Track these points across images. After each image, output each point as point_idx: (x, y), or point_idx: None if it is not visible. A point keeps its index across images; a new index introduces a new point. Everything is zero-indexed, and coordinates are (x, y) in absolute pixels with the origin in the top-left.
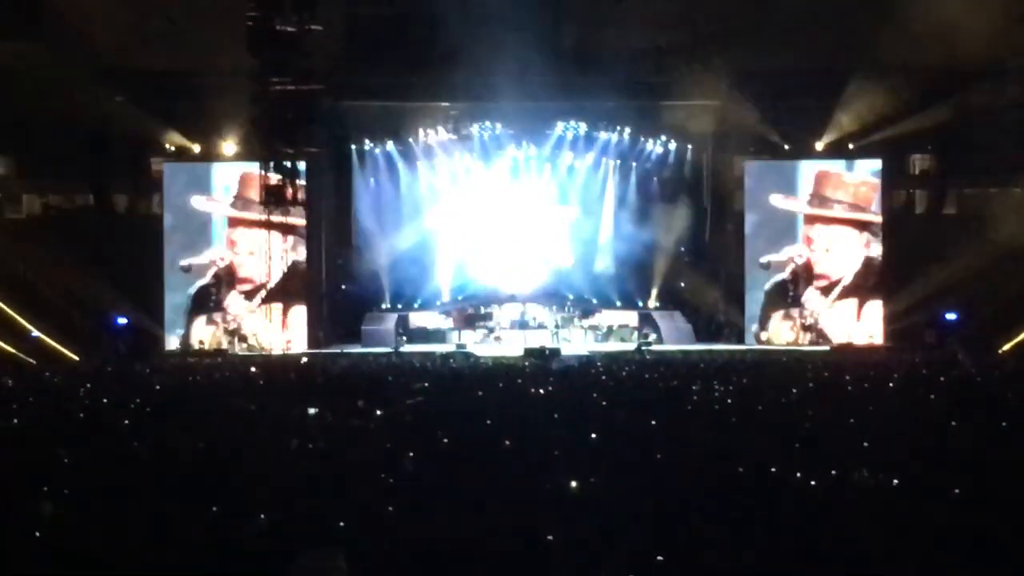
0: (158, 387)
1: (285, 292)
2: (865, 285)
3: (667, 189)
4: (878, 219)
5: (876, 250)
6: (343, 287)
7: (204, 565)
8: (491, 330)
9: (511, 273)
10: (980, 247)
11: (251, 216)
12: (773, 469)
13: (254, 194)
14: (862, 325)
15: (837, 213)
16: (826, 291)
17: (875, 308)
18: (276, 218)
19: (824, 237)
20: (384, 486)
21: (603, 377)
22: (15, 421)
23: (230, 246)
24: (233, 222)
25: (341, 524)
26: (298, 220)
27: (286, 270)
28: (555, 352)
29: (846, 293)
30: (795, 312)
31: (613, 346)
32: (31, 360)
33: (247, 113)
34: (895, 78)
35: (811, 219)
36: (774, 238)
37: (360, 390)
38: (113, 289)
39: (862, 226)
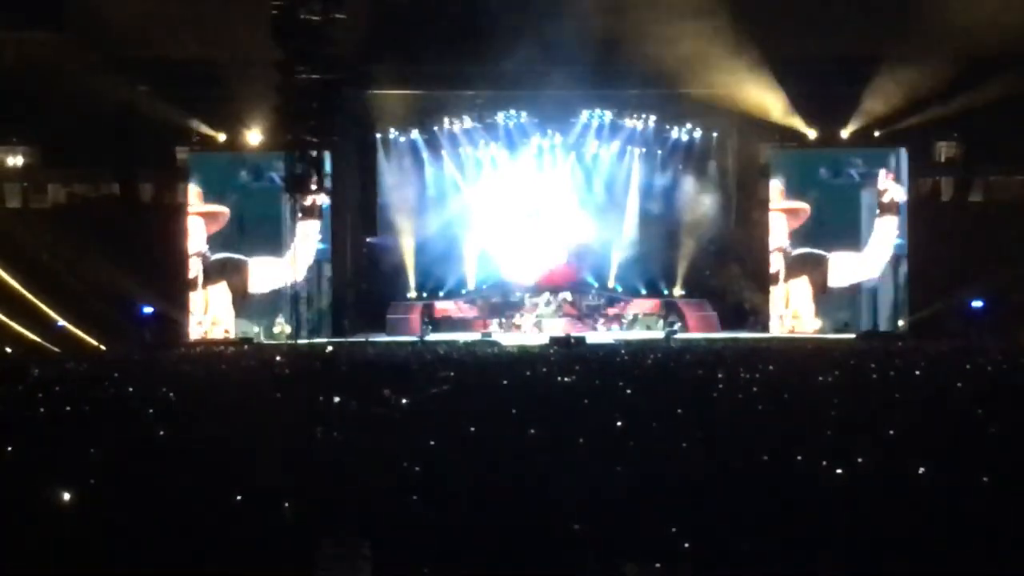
0: (183, 377)
1: None
2: None
3: (692, 177)
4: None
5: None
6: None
7: (229, 554)
8: (511, 318)
9: (536, 262)
10: (1006, 234)
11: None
12: (799, 457)
13: None
14: None
15: None
16: None
17: None
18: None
19: None
20: (409, 475)
21: (628, 365)
22: (41, 411)
23: None
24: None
25: (366, 513)
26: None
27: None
28: (581, 339)
29: None
30: None
31: (638, 334)
32: (57, 349)
33: (272, 102)
34: (921, 65)
35: None
36: None
37: (385, 379)
38: (138, 278)
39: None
